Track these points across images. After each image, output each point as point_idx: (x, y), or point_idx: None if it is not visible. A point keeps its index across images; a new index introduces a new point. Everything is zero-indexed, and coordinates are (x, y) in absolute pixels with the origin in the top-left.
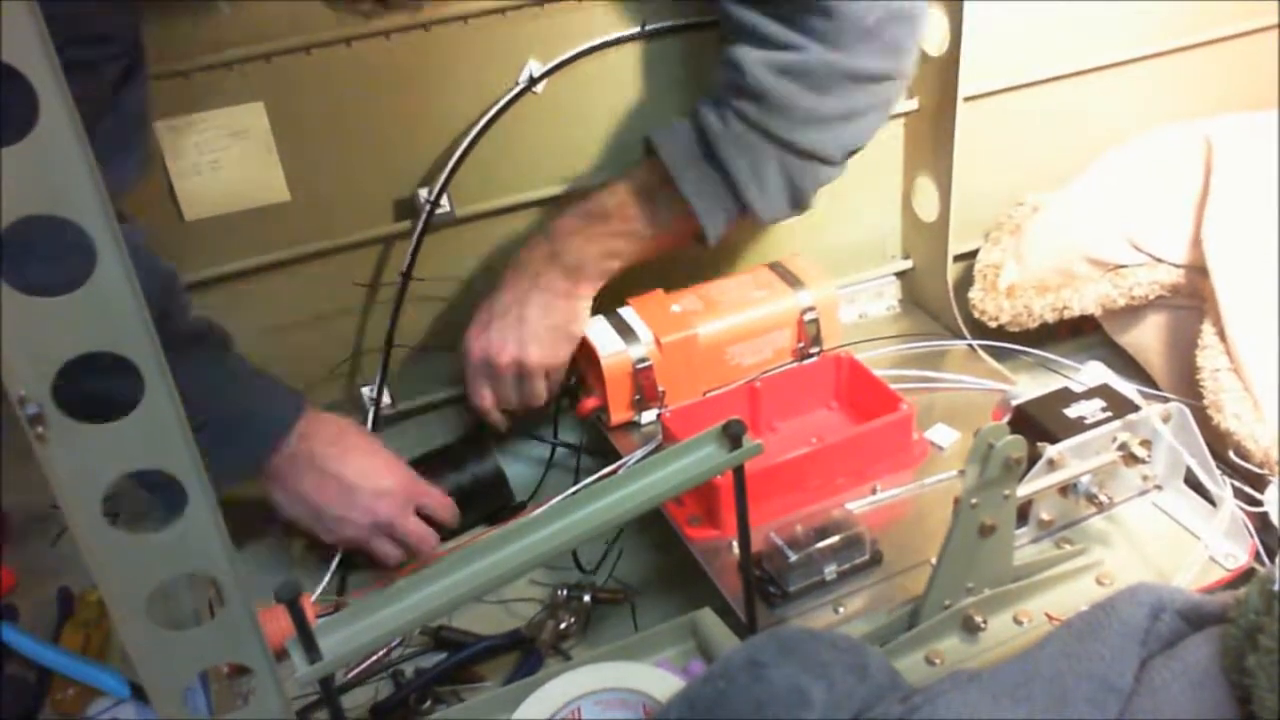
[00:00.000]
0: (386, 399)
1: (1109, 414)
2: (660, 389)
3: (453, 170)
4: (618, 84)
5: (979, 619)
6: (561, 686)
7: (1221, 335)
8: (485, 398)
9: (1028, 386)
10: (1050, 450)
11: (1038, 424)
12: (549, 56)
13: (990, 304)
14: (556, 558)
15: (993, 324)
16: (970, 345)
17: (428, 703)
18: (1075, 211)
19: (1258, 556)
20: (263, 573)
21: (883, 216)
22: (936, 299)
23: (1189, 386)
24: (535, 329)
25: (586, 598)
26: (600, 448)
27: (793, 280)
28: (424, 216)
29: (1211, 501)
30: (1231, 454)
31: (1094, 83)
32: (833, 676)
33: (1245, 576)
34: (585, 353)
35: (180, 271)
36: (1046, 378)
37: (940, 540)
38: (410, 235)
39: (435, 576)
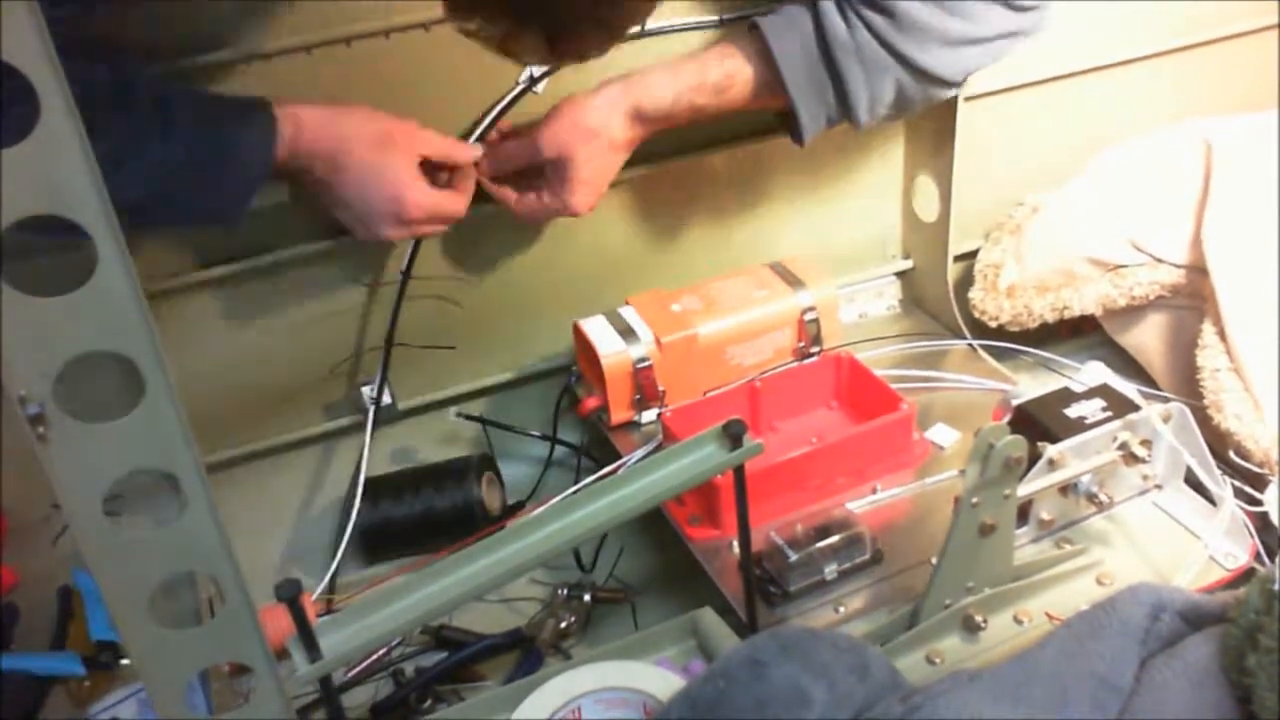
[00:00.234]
0: (387, 398)
1: (1109, 414)
2: (660, 388)
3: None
4: None
5: (979, 618)
6: (562, 685)
7: (1222, 335)
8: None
9: (1028, 386)
10: (1050, 450)
11: (1038, 424)
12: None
13: (990, 304)
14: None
15: (993, 324)
16: (970, 345)
17: (428, 702)
18: (1075, 211)
19: (1258, 556)
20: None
21: (883, 216)
22: (937, 299)
23: (1189, 386)
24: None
25: (587, 597)
26: (600, 447)
27: (793, 280)
28: None
29: (1212, 501)
30: (1232, 454)
31: (1094, 83)
32: (833, 676)
33: (1245, 576)
34: (586, 352)
35: (181, 272)
36: (1047, 378)
37: (941, 540)
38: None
39: (436, 575)
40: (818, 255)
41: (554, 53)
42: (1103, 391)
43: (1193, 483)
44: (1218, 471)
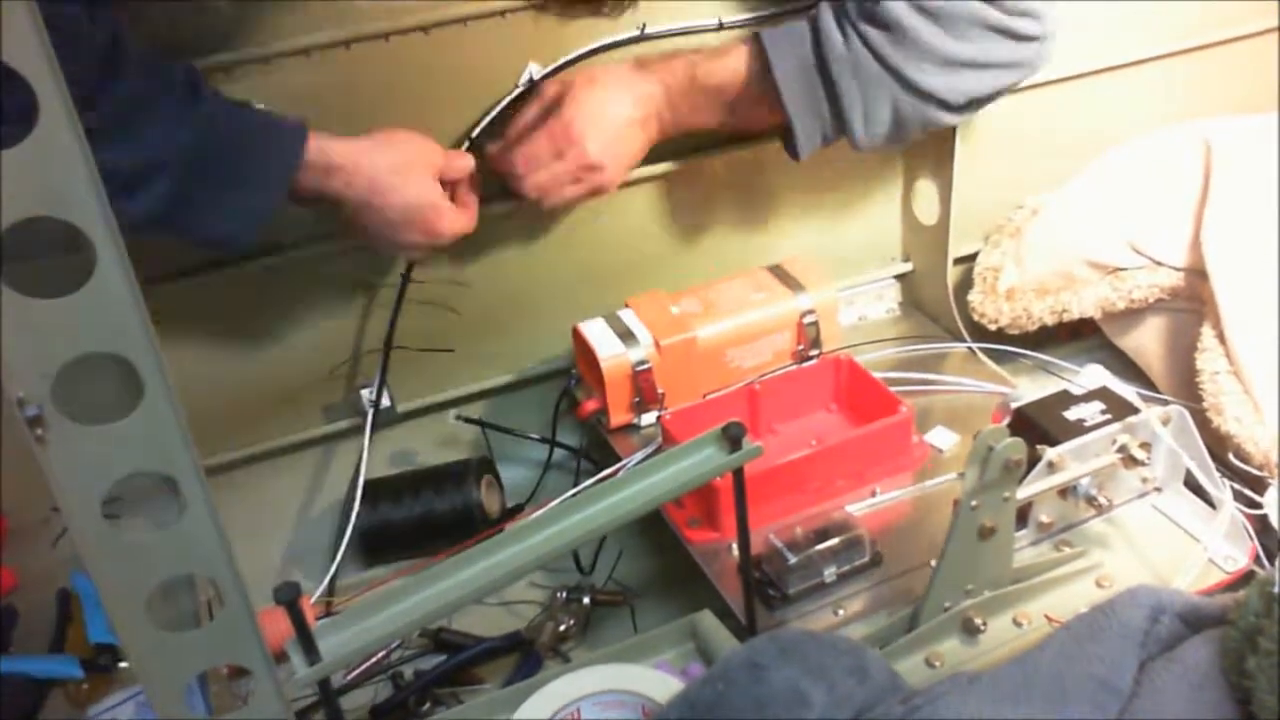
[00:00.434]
0: (386, 400)
1: (1108, 416)
2: (660, 391)
3: None
4: None
5: (979, 621)
6: (561, 688)
7: (1221, 338)
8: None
9: (1027, 389)
10: (1050, 453)
11: (1037, 426)
12: (549, 59)
13: (990, 307)
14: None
15: (992, 327)
16: (970, 348)
17: (427, 705)
18: (1075, 214)
19: (1257, 559)
20: None
21: (883, 219)
22: (936, 302)
23: (1189, 389)
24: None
25: (586, 600)
26: (600, 450)
27: (792, 283)
28: None
29: (1211, 504)
30: (1231, 456)
31: (1094, 85)
32: (832, 678)
33: (1245, 579)
34: (585, 355)
35: (181, 273)
36: (1046, 380)
37: (940, 542)
38: None
39: (435, 578)
40: (817, 258)
41: None
42: (1102, 394)
43: (1192, 485)
44: (1217, 474)
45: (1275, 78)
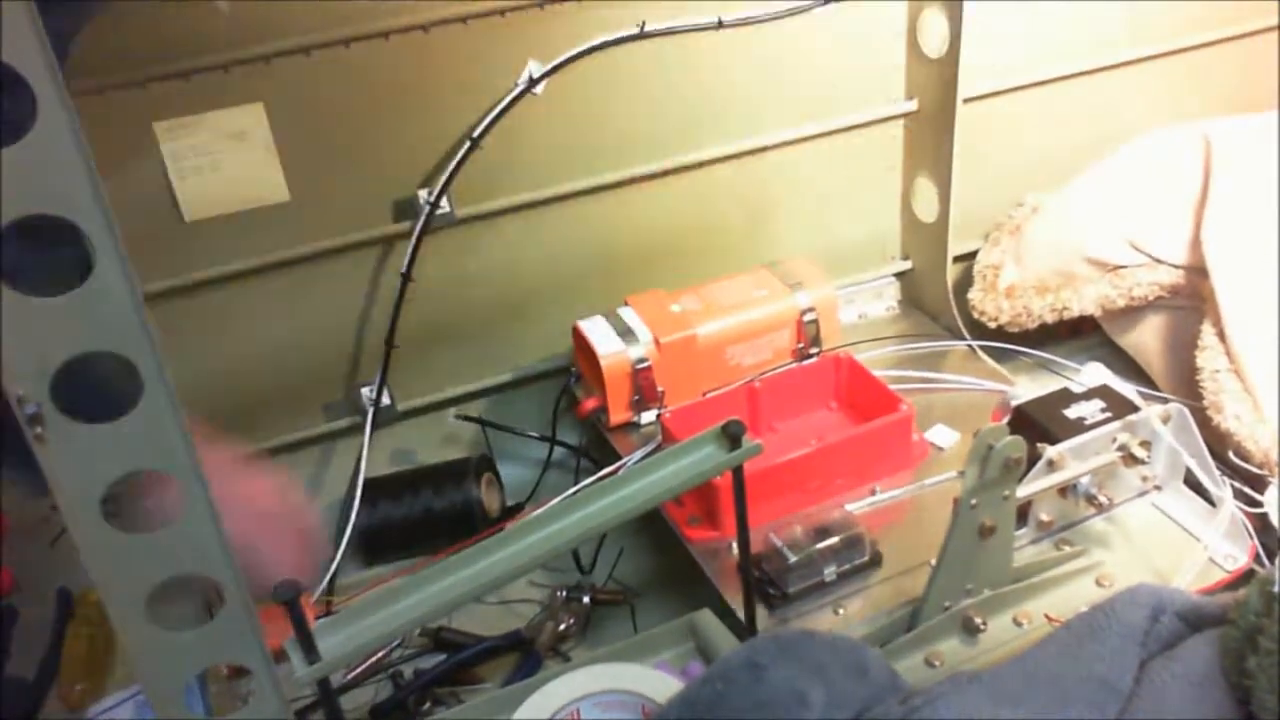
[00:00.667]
0: (386, 399)
1: (1109, 415)
2: (660, 389)
3: (453, 171)
4: (617, 85)
5: (979, 620)
6: (561, 688)
7: (1221, 336)
8: None
9: (1027, 387)
10: (1050, 451)
11: (1037, 425)
12: (549, 57)
13: (990, 304)
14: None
15: (992, 325)
16: (970, 346)
17: (427, 704)
18: (1075, 212)
19: (1257, 558)
20: None
21: (882, 217)
22: (936, 300)
23: (1189, 387)
24: None
25: (586, 599)
26: (600, 448)
27: (792, 281)
28: (424, 217)
29: (1211, 502)
30: (1231, 455)
31: (1093, 84)
32: (832, 678)
33: (1245, 578)
34: (585, 353)
35: (181, 272)
36: (1046, 378)
37: (940, 541)
38: (410, 236)
39: (434, 577)
40: (817, 256)
41: None
42: (1102, 392)
43: (1192, 484)
44: (1217, 472)
45: (1275, 76)
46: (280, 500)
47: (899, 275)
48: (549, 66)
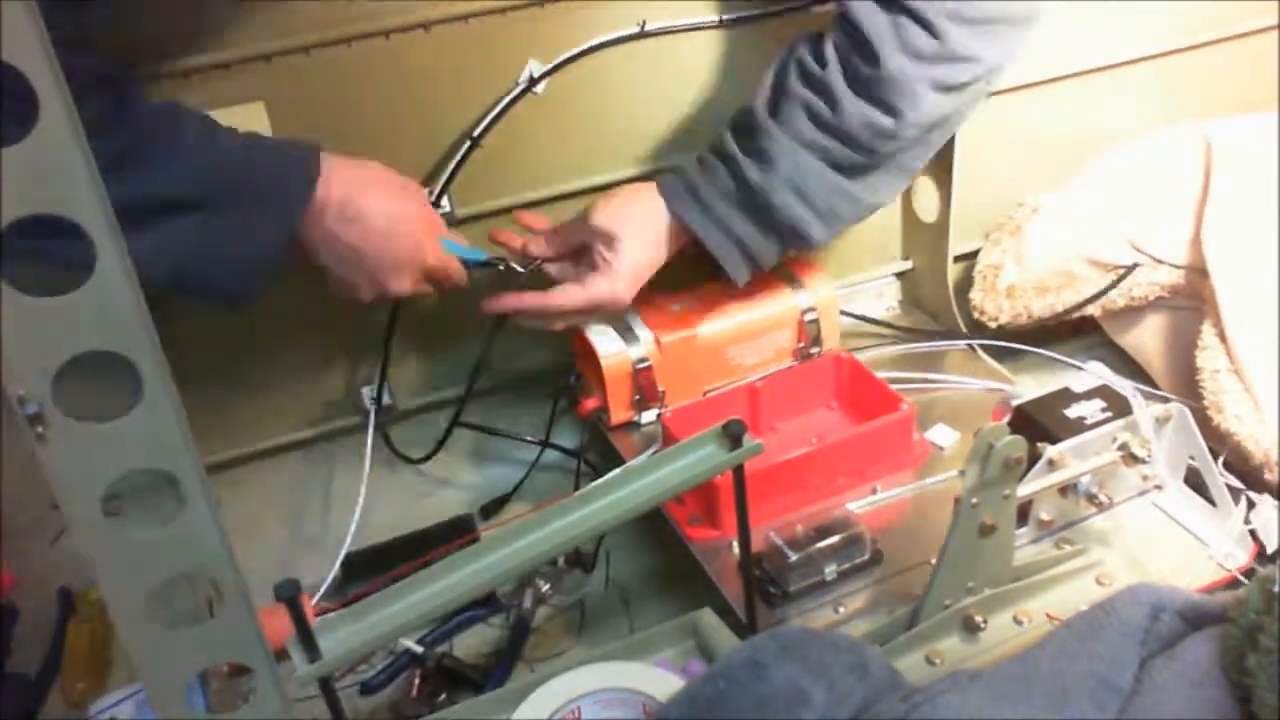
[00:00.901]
0: (386, 399)
1: (1109, 414)
2: (660, 389)
3: (453, 171)
4: (618, 84)
5: (979, 619)
6: (561, 686)
7: (1221, 336)
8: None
9: (1028, 387)
10: (1050, 450)
11: (1038, 424)
12: (549, 56)
13: (990, 304)
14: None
15: (993, 324)
16: (970, 345)
17: (442, 696)
18: (1075, 212)
19: (1258, 557)
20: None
21: (883, 217)
22: (937, 300)
23: (1189, 387)
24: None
25: (560, 560)
26: (600, 448)
27: (793, 280)
28: None
29: (1212, 502)
30: (1231, 455)
31: (1094, 84)
32: (833, 676)
33: (1246, 577)
34: (585, 352)
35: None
36: (1047, 378)
37: (940, 540)
38: None
39: (435, 576)
40: (818, 255)
41: None
42: (1102, 392)
43: (1193, 483)
44: (1218, 472)
45: (1275, 76)
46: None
47: (900, 275)
48: (550, 66)
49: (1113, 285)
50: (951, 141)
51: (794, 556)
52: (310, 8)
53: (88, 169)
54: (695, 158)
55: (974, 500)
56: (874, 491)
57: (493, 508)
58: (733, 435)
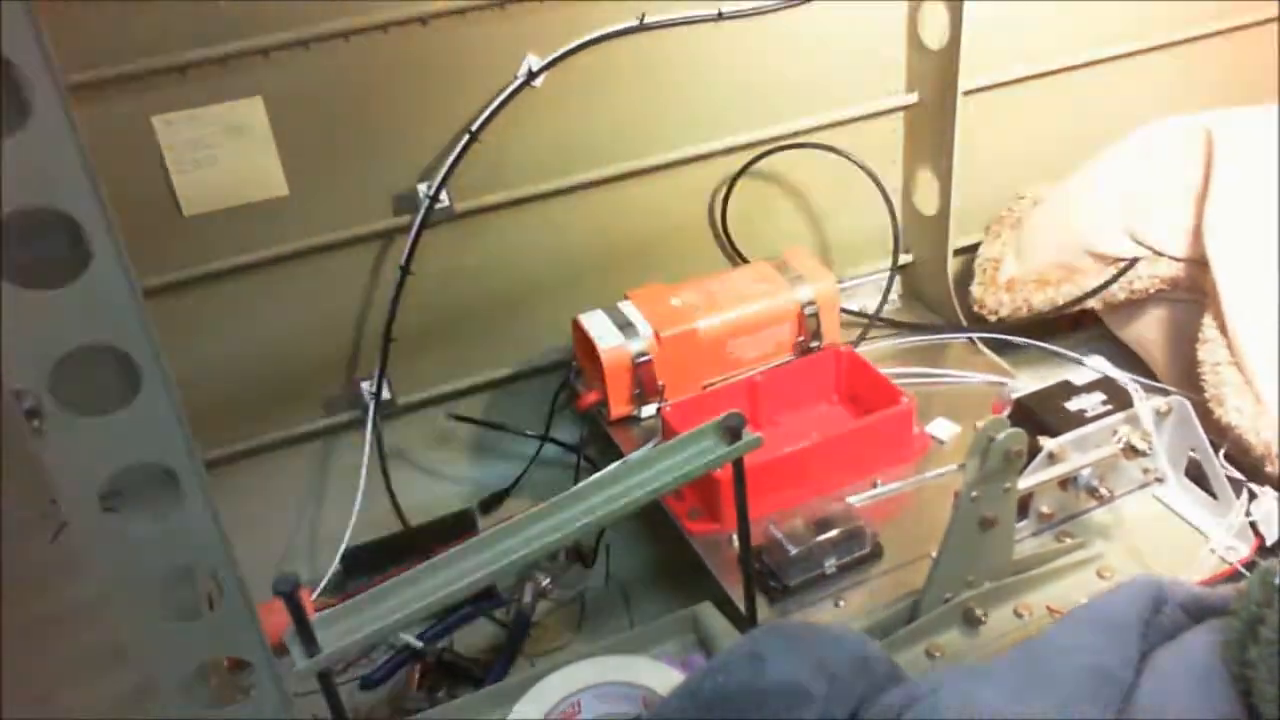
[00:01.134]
0: (386, 393)
1: (1110, 407)
2: (660, 383)
3: (452, 165)
4: (616, 78)
5: (979, 612)
6: (562, 680)
7: (1222, 329)
8: None
9: (1028, 380)
10: (1050, 444)
11: (1038, 417)
12: (548, 50)
13: (990, 298)
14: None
15: (992, 318)
16: (971, 339)
17: (441, 691)
18: (1075, 206)
19: (1259, 549)
20: None
21: (883, 211)
22: (937, 293)
23: (1190, 380)
24: None
25: (560, 555)
26: (600, 442)
27: (793, 274)
28: (423, 211)
29: (1213, 494)
30: (1232, 447)
31: (1094, 76)
32: (833, 670)
33: (1247, 569)
34: (585, 347)
35: (180, 266)
36: (1047, 371)
37: (941, 534)
38: (409, 230)
39: (436, 570)
40: (817, 249)
41: None
42: (1103, 385)
43: (1194, 476)
44: (1219, 465)
45: (1275, 68)
46: None
47: (900, 268)
48: (548, 59)
49: (1113, 279)
50: (951, 135)
51: (794, 550)
52: (308, 2)
53: (84, 163)
54: None
55: (974, 494)
56: (874, 485)
57: (492, 502)
58: (732, 429)
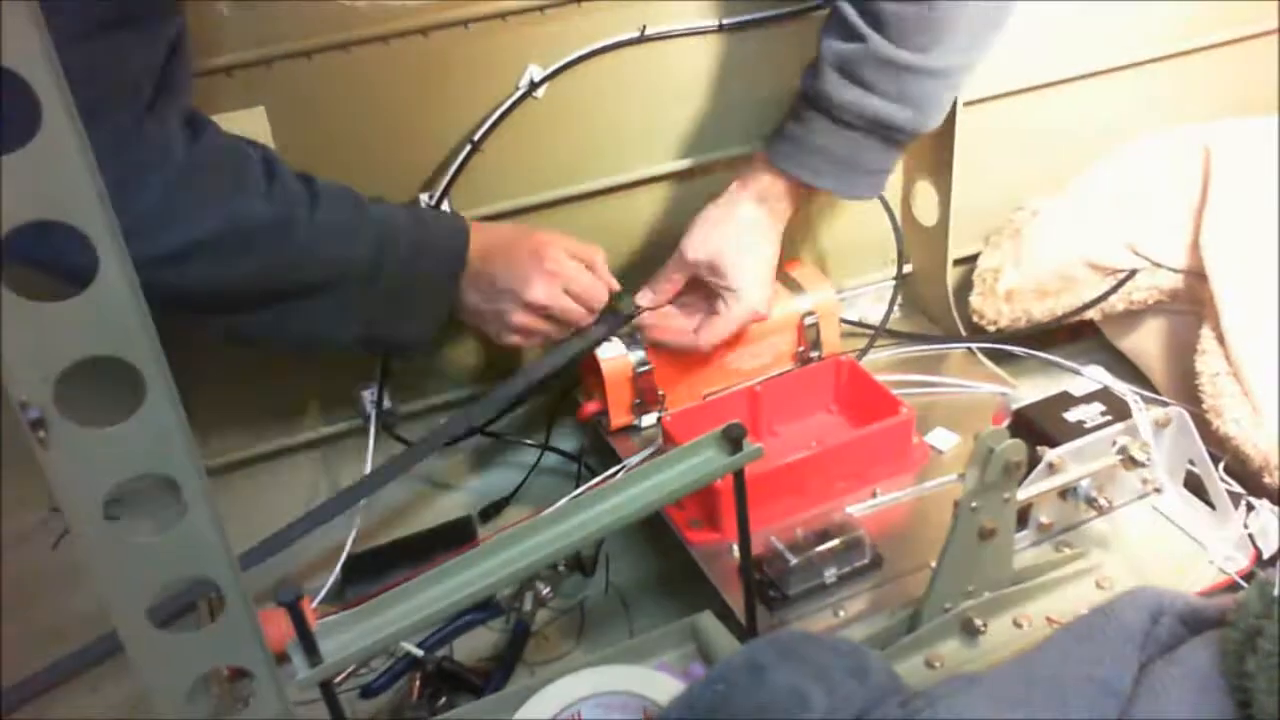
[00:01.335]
0: (387, 402)
1: (1108, 418)
2: (660, 392)
3: (454, 176)
4: (618, 88)
5: (979, 622)
6: (561, 689)
7: (1220, 340)
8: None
9: (1027, 390)
10: (1050, 454)
11: (1037, 428)
12: (550, 61)
13: (989, 308)
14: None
15: (992, 328)
16: (970, 349)
17: (442, 700)
18: (1075, 216)
19: (1258, 560)
20: None
21: (882, 220)
22: (936, 303)
23: (1188, 391)
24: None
25: (560, 565)
26: (600, 452)
27: (793, 284)
28: None
29: (1211, 505)
30: (1231, 459)
31: (1094, 87)
32: (833, 680)
33: (1245, 580)
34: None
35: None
36: (1046, 382)
37: (940, 544)
38: None
39: (437, 579)
40: (817, 259)
41: None
42: (1102, 396)
43: (1192, 487)
44: (1217, 476)
45: (1275, 80)
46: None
47: (899, 279)
48: (550, 70)
49: (1112, 290)
50: (951, 145)
51: (794, 560)
52: (310, 11)
53: (89, 175)
54: (776, 130)
55: (974, 504)
56: (874, 495)
57: (492, 511)
58: (733, 439)
